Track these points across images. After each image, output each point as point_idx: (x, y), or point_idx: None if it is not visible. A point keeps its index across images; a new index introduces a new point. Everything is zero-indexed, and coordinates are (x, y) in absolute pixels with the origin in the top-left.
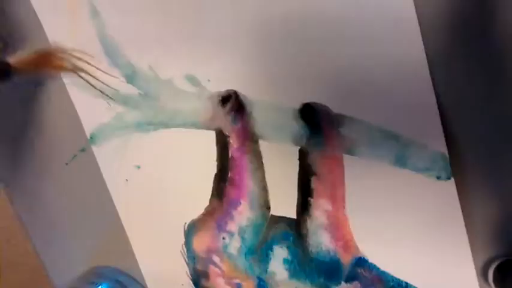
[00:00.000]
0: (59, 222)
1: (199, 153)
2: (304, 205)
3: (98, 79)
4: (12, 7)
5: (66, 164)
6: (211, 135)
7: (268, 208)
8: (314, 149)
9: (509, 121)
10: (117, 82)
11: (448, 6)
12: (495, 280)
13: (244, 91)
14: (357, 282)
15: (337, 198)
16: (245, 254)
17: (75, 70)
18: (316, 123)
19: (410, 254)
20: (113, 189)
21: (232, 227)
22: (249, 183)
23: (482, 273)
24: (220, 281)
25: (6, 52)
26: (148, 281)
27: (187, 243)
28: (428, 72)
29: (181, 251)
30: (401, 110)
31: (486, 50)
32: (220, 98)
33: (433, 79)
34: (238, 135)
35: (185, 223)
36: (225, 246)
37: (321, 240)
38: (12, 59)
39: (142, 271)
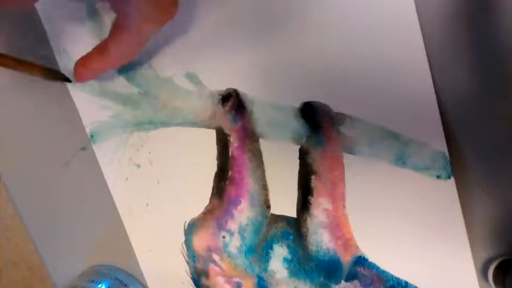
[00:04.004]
0: (59, 221)
1: (200, 152)
2: (304, 204)
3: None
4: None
5: (67, 162)
6: (212, 134)
7: (268, 207)
8: (314, 147)
9: (509, 121)
10: (116, 81)
11: (448, 6)
12: (495, 279)
13: (244, 90)
14: (356, 281)
15: (337, 197)
16: (245, 253)
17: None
18: (317, 122)
19: (410, 253)
20: (113, 187)
21: (233, 225)
22: (249, 182)
23: (482, 273)
24: (220, 280)
25: None
26: (148, 280)
27: (188, 241)
28: (428, 71)
29: (181, 250)
30: (401, 109)
31: (487, 49)
32: (220, 97)
33: (433, 78)
34: (238, 133)
35: (185, 222)
36: (225, 245)
37: (321, 239)
38: None
39: (143, 270)
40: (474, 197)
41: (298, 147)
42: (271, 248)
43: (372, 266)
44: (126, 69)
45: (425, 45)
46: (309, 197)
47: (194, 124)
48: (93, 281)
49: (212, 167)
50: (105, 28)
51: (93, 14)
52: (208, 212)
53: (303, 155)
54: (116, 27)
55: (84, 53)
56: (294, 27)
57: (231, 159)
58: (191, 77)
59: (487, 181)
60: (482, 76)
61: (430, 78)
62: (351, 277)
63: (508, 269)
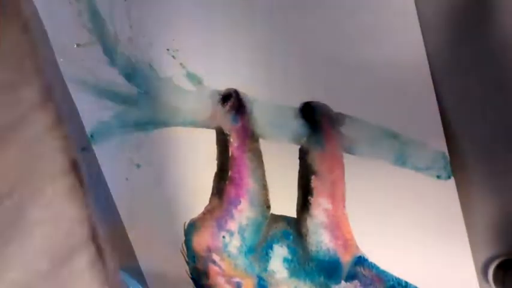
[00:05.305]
0: None
1: (199, 151)
2: (304, 204)
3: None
4: None
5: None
6: (212, 134)
7: (268, 207)
8: (314, 148)
9: (509, 120)
10: (116, 81)
11: (449, 6)
12: (495, 279)
13: (244, 90)
14: (356, 281)
15: (337, 197)
16: (245, 253)
17: None
18: (317, 122)
19: (410, 253)
20: (113, 187)
21: (232, 225)
22: (249, 182)
23: (482, 273)
24: (220, 280)
25: None
26: (148, 280)
27: (187, 242)
28: (428, 71)
29: (181, 250)
30: (401, 109)
31: (487, 49)
32: (220, 97)
33: (433, 78)
34: (238, 134)
35: (185, 222)
36: (225, 245)
37: (320, 239)
38: None
39: (143, 270)
40: (474, 197)
41: (298, 147)
42: (271, 248)
43: (371, 266)
44: (126, 69)
45: (425, 45)
46: (309, 197)
47: (194, 124)
48: None
49: (212, 167)
50: (105, 26)
51: (94, 14)
52: (208, 212)
53: (303, 155)
54: None
55: (84, 53)
56: (294, 27)
57: (231, 159)
58: (191, 77)
59: (487, 181)
60: (482, 76)
61: (430, 78)
62: (350, 277)
63: (508, 269)
